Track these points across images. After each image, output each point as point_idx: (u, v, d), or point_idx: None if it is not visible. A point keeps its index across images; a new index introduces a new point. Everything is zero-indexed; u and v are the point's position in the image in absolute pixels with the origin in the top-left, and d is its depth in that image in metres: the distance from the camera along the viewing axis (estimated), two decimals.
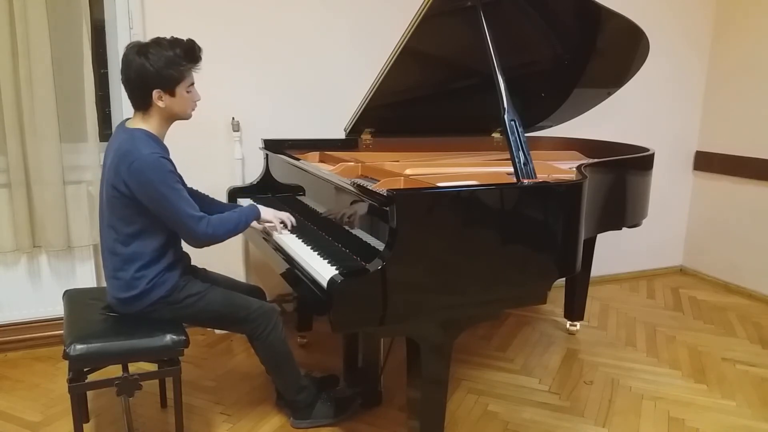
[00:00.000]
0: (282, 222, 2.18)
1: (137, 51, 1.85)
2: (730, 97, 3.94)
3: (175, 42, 1.87)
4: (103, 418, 2.27)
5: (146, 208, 1.87)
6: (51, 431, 2.20)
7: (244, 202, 2.69)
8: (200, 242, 1.92)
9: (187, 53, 1.88)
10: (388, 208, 1.65)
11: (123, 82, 1.91)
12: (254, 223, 2.13)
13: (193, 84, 1.95)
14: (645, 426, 2.34)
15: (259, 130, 2.93)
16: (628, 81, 3.00)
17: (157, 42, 1.86)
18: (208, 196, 2.30)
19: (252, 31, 2.96)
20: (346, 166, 2.41)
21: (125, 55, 1.87)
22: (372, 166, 2.39)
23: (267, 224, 2.17)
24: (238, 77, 2.95)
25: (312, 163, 2.53)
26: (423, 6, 2.09)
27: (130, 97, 1.93)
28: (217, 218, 1.95)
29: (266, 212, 2.15)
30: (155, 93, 1.87)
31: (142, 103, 1.91)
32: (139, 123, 1.94)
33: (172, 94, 1.89)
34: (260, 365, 2.21)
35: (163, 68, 1.84)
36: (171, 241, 1.98)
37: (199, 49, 1.92)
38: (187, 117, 2.00)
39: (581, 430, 2.31)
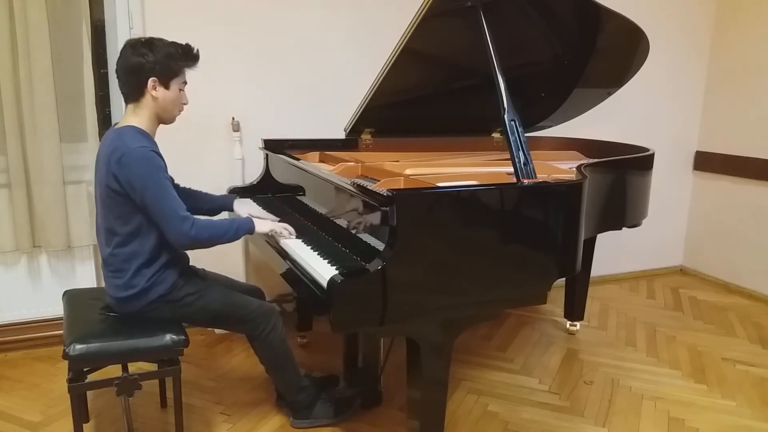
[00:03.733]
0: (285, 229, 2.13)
1: (139, 42, 1.91)
2: (730, 97, 3.94)
3: (174, 42, 1.95)
4: (103, 418, 2.27)
5: (141, 208, 1.86)
6: (51, 431, 2.20)
7: (245, 207, 2.68)
8: (181, 243, 1.87)
9: (186, 52, 1.96)
10: (388, 208, 1.65)
11: (118, 71, 1.93)
12: (260, 229, 2.07)
13: (185, 84, 2.00)
14: (645, 426, 2.34)
15: (259, 130, 2.93)
16: (628, 81, 3.00)
17: (159, 39, 1.93)
18: (201, 192, 2.30)
19: (252, 30, 2.95)
20: (346, 166, 2.41)
21: (124, 46, 1.92)
22: (372, 166, 2.39)
23: (274, 233, 2.10)
24: (238, 77, 2.95)
25: (312, 163, 2.53)
26: (423, 6, 2.09)
27: (124, 86, 1.94)
28: (204, 221, 1.89)
29: (261, 226, 2.06)
30: (151, 81, 1.90)
31: (135, 92, 1.92)
32: (129, 118, 1.95)
33: (166, 86, 1.93)
34: (260, 365, 2.21)
35: (162, 59, 1.90)
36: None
37: (197, 51, 1.97)
38: (172, 119, 2.02)
39: (581, 430, 2.31)
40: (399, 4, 2.80)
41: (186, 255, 2.14)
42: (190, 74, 2.01)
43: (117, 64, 1.93)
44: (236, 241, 2.07)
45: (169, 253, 1.98)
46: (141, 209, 1.87)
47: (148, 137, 1.92)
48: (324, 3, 3.06)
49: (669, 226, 4.23)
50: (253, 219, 2.08)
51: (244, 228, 2.02)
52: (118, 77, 1.94)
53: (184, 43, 1.96)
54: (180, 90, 1.98)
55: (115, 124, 2.02)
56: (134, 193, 1.83)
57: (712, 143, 4.08)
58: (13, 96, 2.51)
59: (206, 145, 2.94)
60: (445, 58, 2.53)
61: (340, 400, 2.29)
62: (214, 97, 2.88)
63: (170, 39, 1.94)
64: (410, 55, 2.28)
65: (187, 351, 1.93)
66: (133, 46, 1.90)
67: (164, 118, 2.00)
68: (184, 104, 2.03)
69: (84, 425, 1.98)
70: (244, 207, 2.32)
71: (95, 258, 2.82)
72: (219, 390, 2.51)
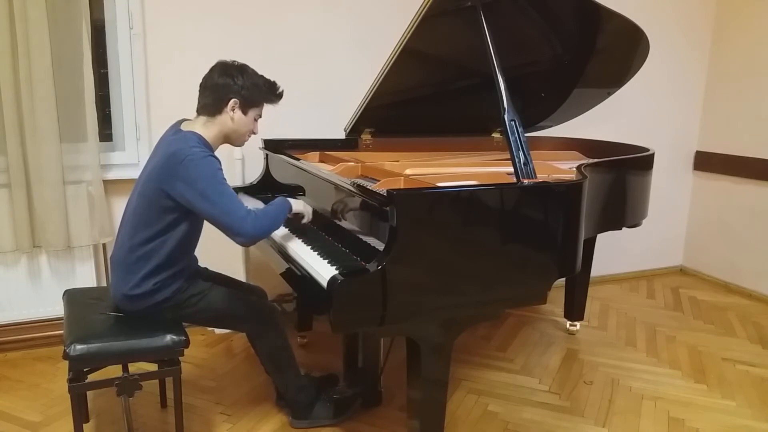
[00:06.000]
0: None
1: (232, 65, 1.99)
2: (730, 97, 3.95)
3: (263, 76, 2.04)
4: (103, 418, 2.28)
5: (175, 210, 1.86)
6: (51, 431, 2.20)
7: (244, 201, 2.68)
8: (246, 239, 1.85)
9: (272, 88, 2.05)
10: (387, 208, 1.65)
11: (203, 85, 1.98)
12: (296, 208, 2.10)
13: (260, 117, 2.07)
14: (645, 426, 2.34)
15: (259, 130, 2.92)
16: (628, 81, 3.00)
17: (250, 67, 2.02)
18: None
19: (252, 31, 2.95)
20: (346, 166, 2.41)
21: (218, 63, 1.99)
22: (372, 166, 2.39)
23: (298, 215, 2.12)
24: None
25: (312, 163, 2.53)
26: (423, 6, 2.10)
27: (205, 99, 1.98)
28: (261, 213, 1.90)
29: (296, 204, 2.10)
30: (232, 102, 1.96)
31: (214, 108, 1.97)
32: (197, 128, 1.97)
33: (245, 111, 2.00)
34: (260, 365, 2.21)
35: (250, 86, 1.98)
36: (187, 247, 1.98)
37: (282, 91, 2.07)
38: (240, 142, 2.08)
39: (581, 430, 2.31)
40: (399, 4, 2.80)
41: (195, 258, 2.13)
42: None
43: (204, 79, 1.98)
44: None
45: (182, 262, 1.98)
46: (175, 215, 1.87)
47: (209, 147, 1.95)
48: (324, 4, 3.06)
49: (669, 226, 4.23)
50: (287, 198, 2.07)
51: (286, 210, 2.03)
52: (201, 91, 1.99)
53: (272, 79, 2.04)
54: (255, 119, 2.05)
55: (181, 121, 2.04)
56: (193, 196, 1.82)
57: (712, 143, 4.09)
58: (13, 96, 2.50)
59: None
60: (445, 58, 2.53)
61: (340, 400, 2.29)
62: None
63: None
64: (410, 55, 2.29)
65: (187, 351, 1.93)
66: (225, 66, 1.98)
67: (233, 138, 2.05)
68: (254, 133, 2.09)
69: (84, 425, 1.97)
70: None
71: (95, 258, 2.82)
72: (219, 390, 2.51)
